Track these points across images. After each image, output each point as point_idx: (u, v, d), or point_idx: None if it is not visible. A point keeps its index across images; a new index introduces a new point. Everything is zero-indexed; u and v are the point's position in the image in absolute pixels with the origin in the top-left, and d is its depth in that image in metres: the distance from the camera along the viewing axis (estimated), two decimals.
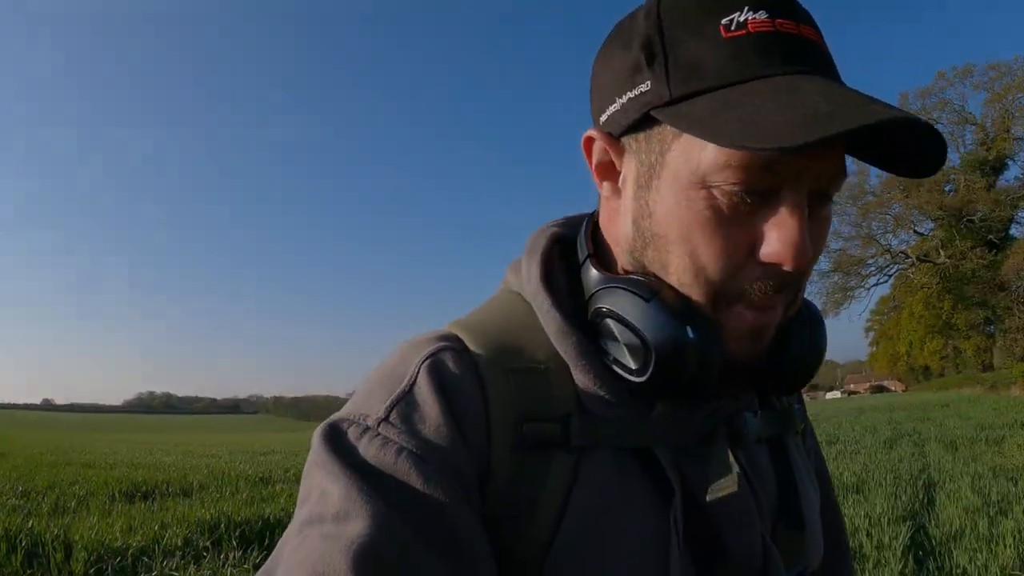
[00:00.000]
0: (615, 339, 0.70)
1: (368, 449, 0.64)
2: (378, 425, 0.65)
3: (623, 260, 0.75)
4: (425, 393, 0.67)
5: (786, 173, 0.62)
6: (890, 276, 45.97)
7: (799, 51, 0.63)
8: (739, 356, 0.69)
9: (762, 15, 0.63)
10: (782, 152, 0.57)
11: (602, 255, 0.79)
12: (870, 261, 44.97)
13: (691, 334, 0.65)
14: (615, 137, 0.73)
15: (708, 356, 0.66)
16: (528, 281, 0.77)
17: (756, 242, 0.65)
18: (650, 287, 0.69)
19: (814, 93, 0.60)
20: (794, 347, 0.74)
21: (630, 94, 0.68)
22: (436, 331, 0.75)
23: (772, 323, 0.69)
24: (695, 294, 0.67)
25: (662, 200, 0.68)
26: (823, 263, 43.89)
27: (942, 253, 42.25)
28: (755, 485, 0.77)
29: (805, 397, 0.92)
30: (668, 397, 0.70)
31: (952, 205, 41.94)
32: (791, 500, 0.81)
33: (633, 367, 0.68)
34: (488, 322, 0.76)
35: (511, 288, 0.81)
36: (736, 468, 0.71)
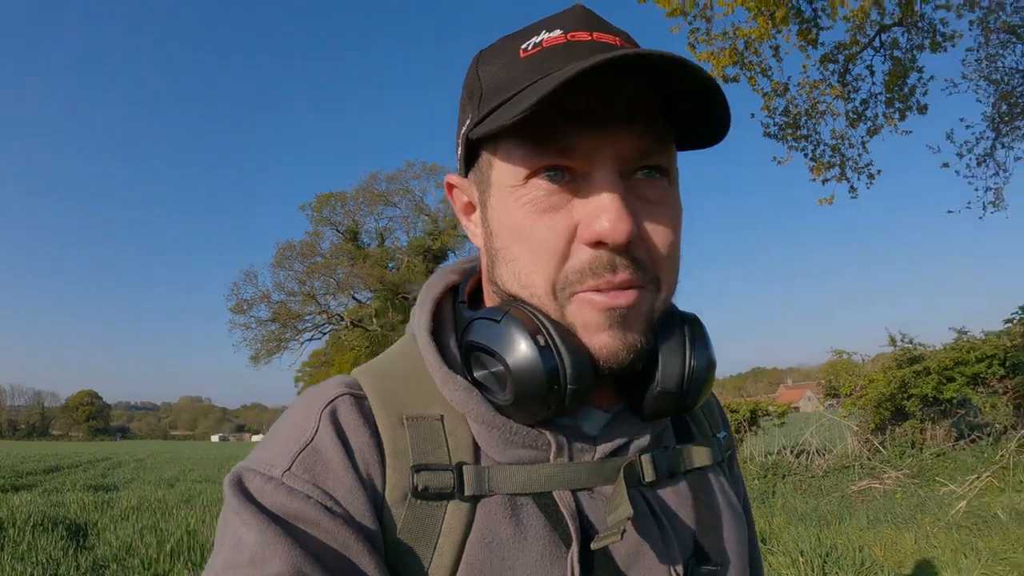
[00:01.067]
0: (484, 368, 0.73)
1: (275, 498, 0.66)
2: (283, 475, 0.67)
3: (490, 293, 0.80)
4: (326, 443, 0.70)
5: (586, 152, 0.67)
6: (324, 333, 48.48)
7: (589, 50, 0.68)
8: (609, 352, 0.69)
9: (556, 33, 0.70)
10: (538, 103, 0.61)
11: (478, 297, 0.86)
12: (308, 317, 47.16)
13: (540, 342, 0.67)
14: (464, 175, 0.80)
15: (565, 362, 0.67)
16: (417, 331, 0.80)
17: (578, 227, 0.68)
18: (501, 309, 0.72)
19: (583, 55, 0.66)
20: (664, 354, 0.74)
21: (462, 131, 0.76)
22: (340, 377, 0.78)
23: (627, 306, 0.69)
24: (539, 291, 0.70)
25: (494, 215, 0.73)
26: (263, 311, 45.73)
27: (375, 321, 46.04)
28: (663, 523, 0.76)
29: None
30: (536, 413, 0.70)
31: (392, 280, 45.92)
32: (709, 537, 0.80)
33: (502, 392, 0.70)
34: (389, 370, 0.79)
35: (412, 336, 0.83)
36: (631, 511, 0.69)
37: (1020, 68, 8.36)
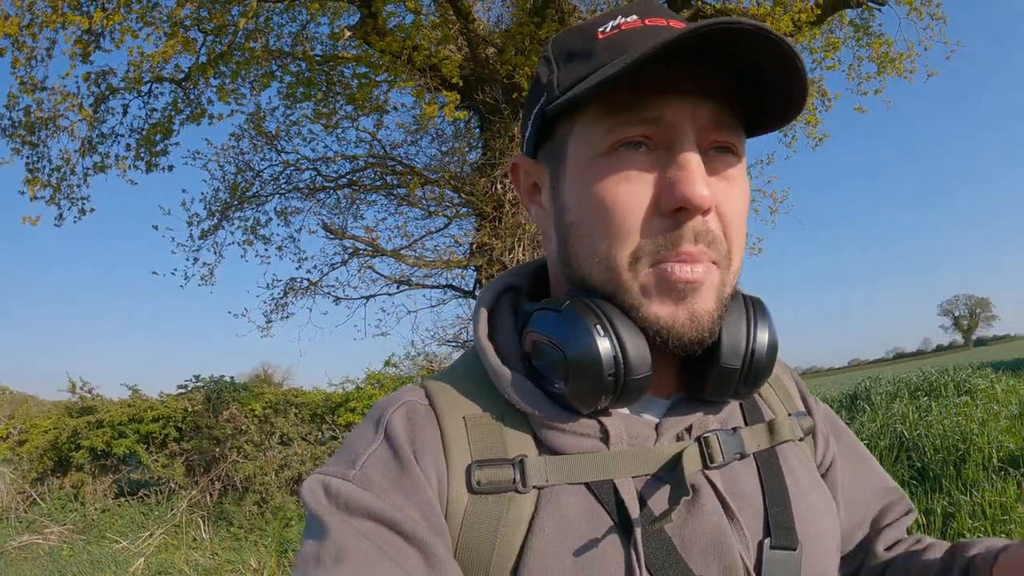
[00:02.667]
0: (543, 358, 0.75)
1: (350, 497, 0.69)
2: (357, 475, 0.71)
3: (558, 280, 0.84)
4: (393, 445, 0.74)
5: (669, 123, 0.70)
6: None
7: (665, 34, 0.67)
8: (676, 323, 0.72)
9: (632, 18, 0.75)
10: (632, 65, 0.64)
11: (546, 291, 0.89)
12: None
13: (600, 332, 0.70)
14: (533, 157, 0.84)
15: (624, 350, 0.70)
16: (476, 335, 0.83)
17: (659, 196, 0.70)
18: (562, 299, 0.75)
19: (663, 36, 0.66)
20: (727, 331, 0.76)
21: (534, 111, 0.81)
22: (408, 386, 0.83)
23: (703, 281, 0.72)
24: (616, 263, 0.72)
25: (571, 188, 0.76)
26: None
27: None
28: (731, 506, 0.75)
29: None
30: (593, 402, 0.72)
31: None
32: (781, 517, 0.78)
33: (560, 381, 0.72)
34: (451, 376, 0.83)
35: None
36: (692, 492, 0.72)
37: (253, 167, 9.97)
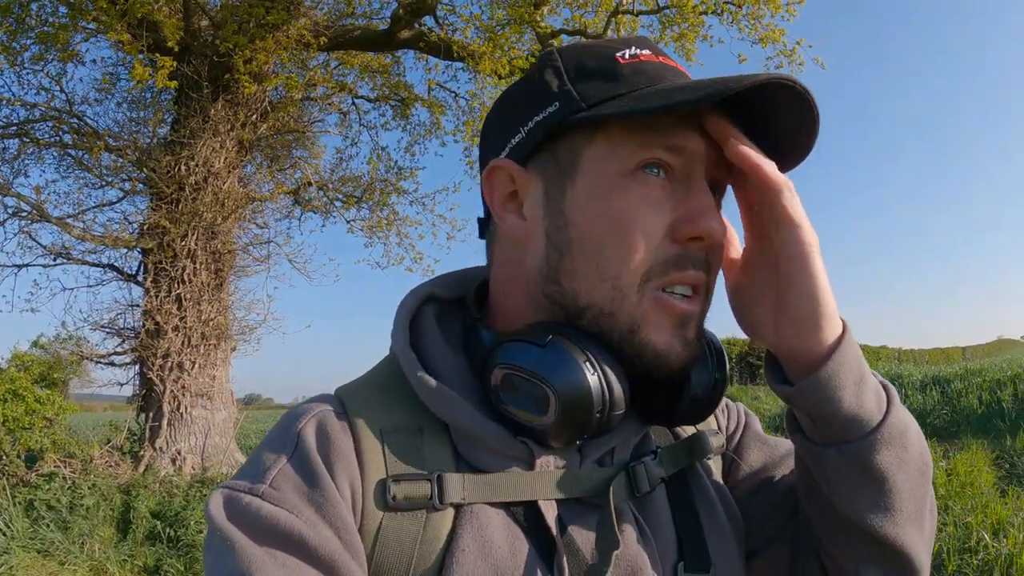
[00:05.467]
0: (515, 391, 0.72)
1: (259, 514, 0.67)
2: (267, 490, 0.69)
3: (530, 298, 0.80)
4: (305, 458, 0.71)
5: (691, 154, 0.74)
6: None
7: (674, 73, 0.77)
8: (674, 353, 0.75)
9: (646, 52, 0.78)
10: (696, 104, 0.68)
11: (496, 313, 0.85)
12: None
13: (590, 371, 0.70)
14: (521, 164, 0.79)
15: (611, 388, 0.71)
16: (397, 345, 0.81)
17: (675, 225, 0.73)
18: (544, 332, 0.73)
19: (676, 76, 0.77)
20: (695, 366, 0.79)
21: (536, 118, 0.77)
22: (321, 395, 0.81)
23: (695, 316, 0.76)
24: (626, 281, 0.73)
25: (580, 204, 0.75)
26: None
27: None
28: (647, 532, 0.77)
29: None
30: (575, 437, 0.74)
31: None
32: (694, 540, 0.80)
33: (538, 415, 0.71)
34: (367, 385, 0.82)
35: (392, 351, 0.83)
36: (619, 546, 0.71)
37: None
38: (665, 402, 0.81)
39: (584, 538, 0.74)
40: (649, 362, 0.74)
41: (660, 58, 0.78)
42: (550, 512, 0.73)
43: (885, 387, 0.79)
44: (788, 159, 0.78)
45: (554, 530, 0.72)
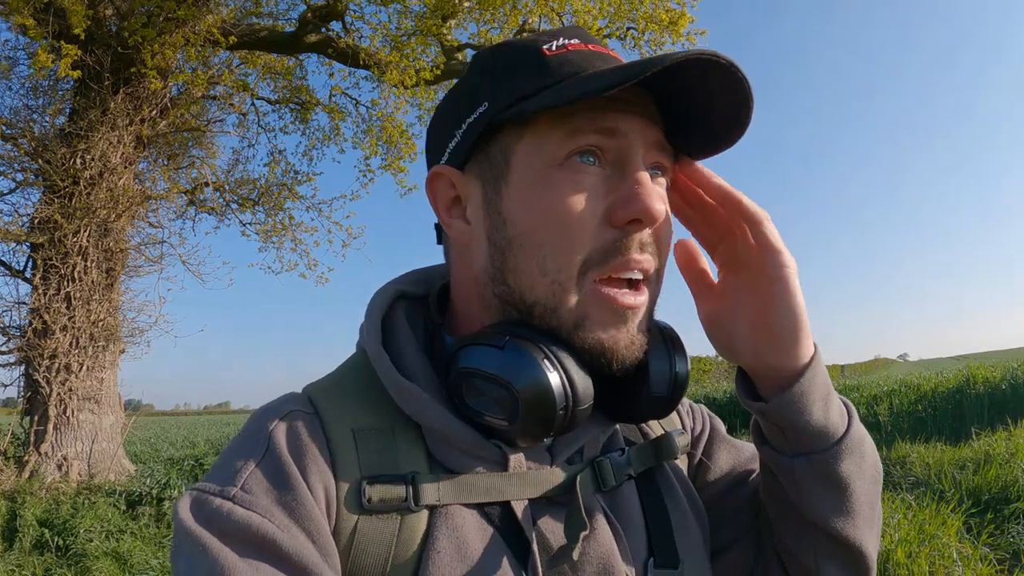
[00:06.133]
0: (480, 395, 0.73)
1: (230, 518, 0.65)
2: (238, 494, 0.67)
3: (481, 300, 0.80)
4: (277, 460, 0.70)
5: (624, 136, 0.73)
6: None
7: (603, 59, 0.77)
8: (622, 348, 0.74)
9: (575, 41, 0.77)
10: (617, 87, 0.66)
11: (457, 315, 0.86)
12: None
13: (550, 368, 0.70)
14: (459, 168, 0.80)
15: (573, 383, 0.71)
16: (368, 344, 0.80)
17: (611, 209, 0.72)
18: (499, 333, 0.74)
19: (607, 62, 0.76)
20: (652, 358, 0.79)
21: (469, 120, 0.78)
22: (290, 394, 0.80)
23: (639, 308, 0.75)
24: (564, 275, 0.72)
25: (515, 200, 0.75)
26: None
27: None
28: (617, 527, 0.78)
29: None
30: (541, 435, 0.73)
31: None
32: (663, 537, 0.81)
33: (503, 417, 0.72)
34: (338, 384, 0.81)
35: (362, 350, 0.83)
36: (588, 526, 0.73)
37: None
38: (627, 399, 0.81)
39: (557, 535, 0.75)
40: (596, 358, 0.74)
41: (589, 45, 0.78)
42: (523, 511, 0.74)
43: (844, 400, 0.84)
44: (726, 138, 0.79)
45: (527, 529, 0.73)
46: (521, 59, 0.77)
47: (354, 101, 11.76)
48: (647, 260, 0.74)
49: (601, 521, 0.78)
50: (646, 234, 0.74)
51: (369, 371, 0.79)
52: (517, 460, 0.76)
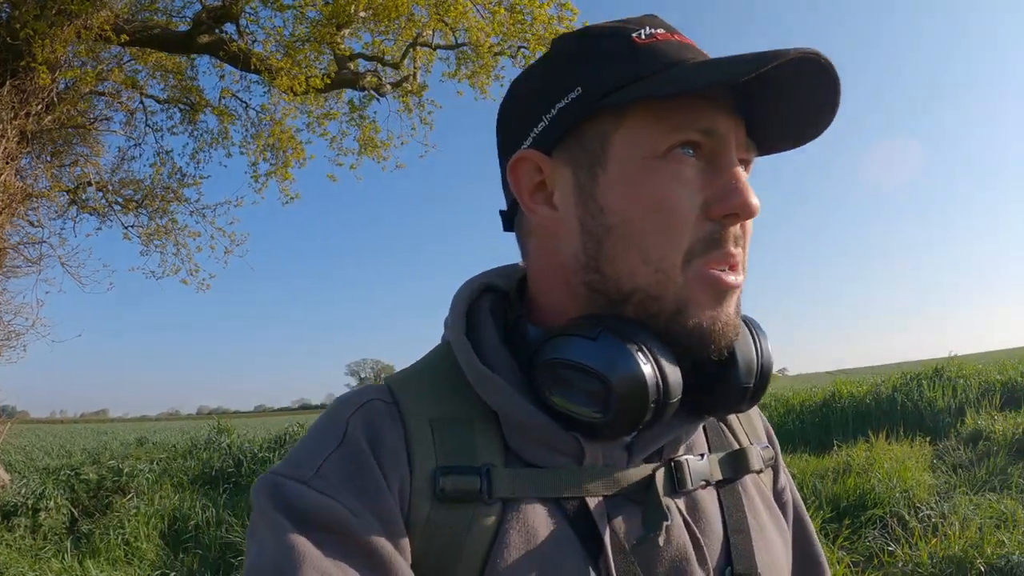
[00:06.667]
0: (569, 386, 0.72)
1: (304, 502, 0.67)
2: (310, 479, 0.70)
3: (569, 288, 0.80)
4: (354, 447, 0.72)
5: (722, 134, 0.74)
6: None
7: (691, 51, 0.76)
8: (728, 327, 0.75)
9: (662, 31, 0.76)
10: (726, 81, 0.68)
11: (538, 305, 0.85)
12: None
13: (643, 361, 0.70)
14: (546, 153, 0.79)
15: (665, 376, 0.71)
16: (451, 333, 0.82)
17: (710, 202, 0.73)
18: (594, 324, 0.73)
19: (693, 54, 0.75)
20: (739, 351, 0.79)
21: (559, 105, 0.76)
22: (371, 384, 0.82)
23: (740, 287, 0.76)
24: (668, 264, 0.73)
25: (614, 189, 0.74)
26: None
27: None
28: (696, 532, 0.77)
29: None
30: (629, 429, 0.73)
31: None
32: (742, 546, 0.80)
33: (596, 409, 0.71)
34: (419, 374, 0.82)
35: (445, 341, 0.85)
36: (669, 516, 0.74)
37: None
38: (711, 390, 0.80)
39: (630, 533, 0.74)
40: (697, 341, 0.74)
41: (675, 36, 0.77)
42: (597, 508, 0.73)
43: None
44: (799, 136, 0.80)
45: (600, 525, 0.72)
46: (613, 46, 0.76)
47: (244, 104, 11.78)
48: (739, 254, 0.76)
49: (677, 522, 0.77)
50: (737, 228, 0.75)
51: (451, 362, 0.80)
52: (593, 455, 0.75)
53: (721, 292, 0.74)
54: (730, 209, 0.73)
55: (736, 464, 0.86)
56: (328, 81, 9.71)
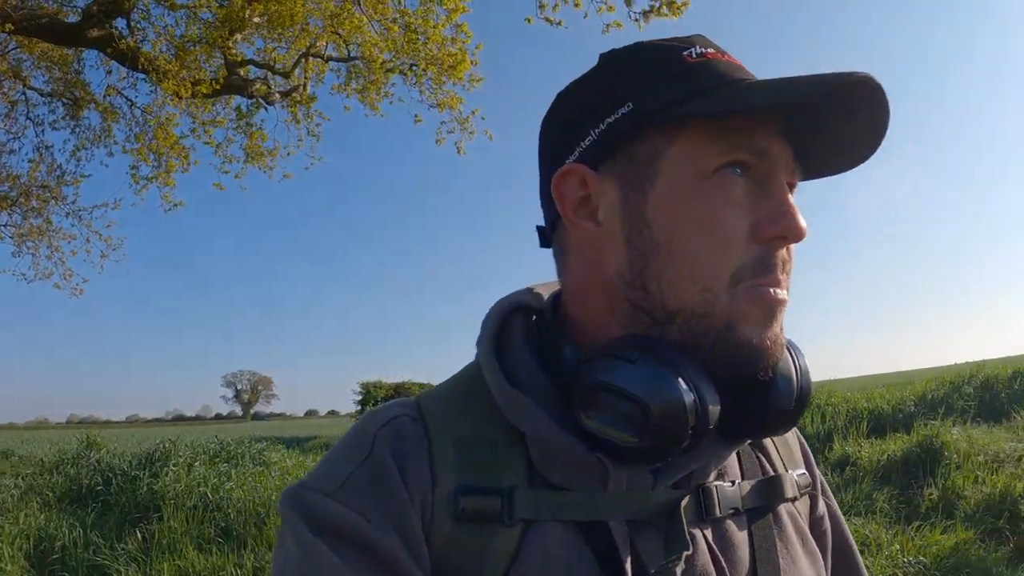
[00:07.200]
0: (606, 409, 0.71)
1: (328, 514, 0.70)
2: (335, 492, 0.72)
3: (610, 305, 0.79)
4: (379, 462, 0.74)
5: (773, 156, 0.74)
6: None
7: (741, 71, 0.77)
8: (777, 344, 0.75)
9: (711, 50, 0.77)
10: (783, 105, 0.70)
11: (575, 323, 0.84)
12: None
13: (684, 387, 0.69)
14: (592, 167, 0.78)
15: (704, 404, 0.70)
16: (481, 352, 0.82)
17: (759, 224, 0.73)
18: (633, 347, 0.72)
19: (744, 74, 0.76)
20: (778, 373, 0.77)
21: (609, 120, 0.76)
22: (400, 399, 0.82)
23: (786, 302, 0.75)
24: (716, 283, 0.72)
25: (664, 207, 0.74)
26: None
27: None
28: (721, 562, 0.76)
29: None
30: (664, 455, 0.72)
31: None
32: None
33: (632, 434, 0.70)
34: (447, 392, 0.83)
35: (476, 361, 0.84)
36: (692, 545, 0.72)
37: None
38: (748, 413, 0.78)
39: (653, 560, 0.73)
40: (745, 358, 0.74)
41: (725, 56, 0.78)
42: (619, 533, 0.73)
43: None
44: (841, 166, 0.82)
45: (621, 550, 0.72)
46: (665, 63, 0.76)
47: (129, 102, 11.58)
48: (784, 278, 0.75)
49: (702, 549, 0.76)
50: (784, 251, 0.75)
51: (481, 381, 0.81)
52: (618, 479, 0.74)
53: (771, 308, 0.74)
54: (780, 232, 0.73)
55: (769, 492, 0.85)
56: (217, 87, 9.66)
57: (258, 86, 10.47)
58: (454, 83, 10.71)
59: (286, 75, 11.03)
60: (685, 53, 0.76)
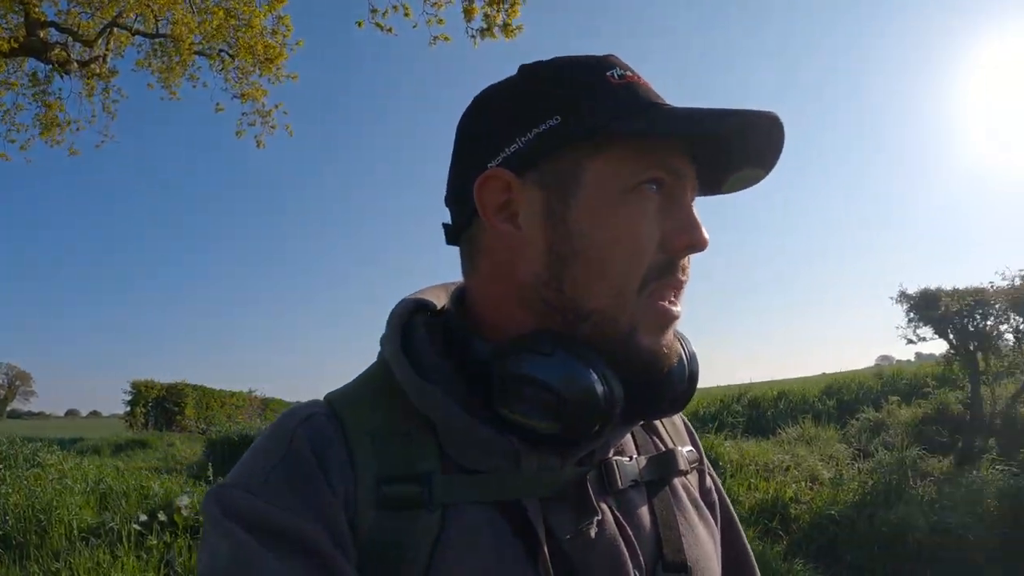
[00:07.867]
0: (522, 400, 0.75)
1: (252, 510, 0.71)
2: (258, 489, 0.73)
3: (523, 303, 0.83)
4: (298, 457, 0.75)
5: (683, 174, 0.81)
6: None
7: (653, 93, 0.83)
8: (670, 350, 0.82)
9: (630, 73, 0.83)
10: (717, 131, 0.77)
11: (483, 319, 0.87)
12: None
13: (596, 379, 0.75)
14: (516, 173, 0.81)
15: (613, 394, 0.76)
16: (388, 348, 0.85)
17: (668, 235, 0.79)
18: (547, 341, 0.77)
19: (654, 96, 0.82)
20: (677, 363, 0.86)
21: (537, 130, 0.80)
22: (310, 400, 0.85)
23: (679, 319, 0.83)
24: (627, 288, 0.78)
25: (586, 216, 0.79)
26: None
27: None
28: (627, 529, 0.81)
29: None
30: (578, 439, 0.78)
31: None
32: (672, 542, 0.85)
33: (548, 421, 0.75)
34: (356, 389, 0.86)
35: (381, 358, 0.87)
36: (600, 513, 0.78)
37: None
38: (645, 396, 0.84)
39: (566, 532, 0.78)
40: (643, 363, 0.81)
41: (641, 80, 0.83)
42: (533, 509, 0.77)
43: None
44: (753, 172, 0.87)
45: (536, 525, 0.75)
46: (591, 81, 0.81)
47: None
48: (683, 283, 0.83)
49: (609, 520, 0.81)
50: (687, 259, 0.82)
51: (388, 377, 0.83)
52: (529, 460, 0.79)
53: (665, 323, 0.81)
54: (688, 242, 0.79)
55: (663, 465, 0.92)
56: (15, 46, 9.07)
57: (58, 51, 9.66)
58: (266, 75, 10.46)
59: (89, 43, 10.27)
60: (608, 74, 0.81)
